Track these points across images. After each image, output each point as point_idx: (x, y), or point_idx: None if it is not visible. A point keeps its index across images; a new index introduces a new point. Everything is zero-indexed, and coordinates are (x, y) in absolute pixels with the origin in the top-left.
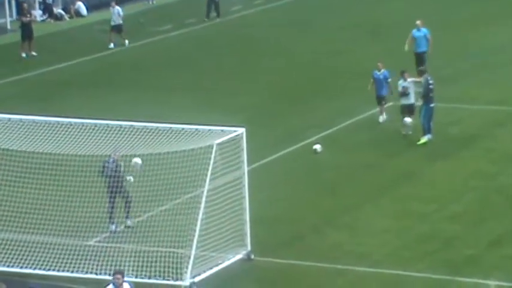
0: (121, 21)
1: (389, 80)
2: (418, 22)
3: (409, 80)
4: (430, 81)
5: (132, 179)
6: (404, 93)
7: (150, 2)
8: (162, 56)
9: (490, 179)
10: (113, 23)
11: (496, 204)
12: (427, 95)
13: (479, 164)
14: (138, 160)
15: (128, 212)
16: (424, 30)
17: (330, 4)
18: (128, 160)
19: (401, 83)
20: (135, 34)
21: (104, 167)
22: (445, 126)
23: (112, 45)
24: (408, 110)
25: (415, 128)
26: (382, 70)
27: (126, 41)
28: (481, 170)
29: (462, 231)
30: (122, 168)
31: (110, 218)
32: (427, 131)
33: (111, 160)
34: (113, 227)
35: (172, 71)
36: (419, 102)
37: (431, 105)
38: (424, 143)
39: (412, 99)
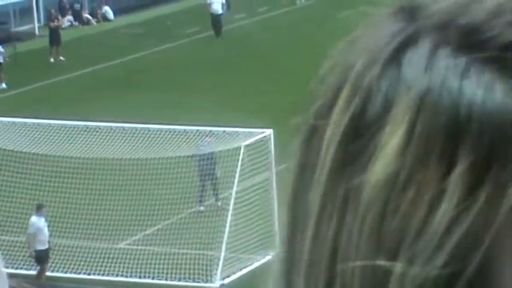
0: (1, 61)
1: None
2: None
3: None
4: None
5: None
6: None
7: None
8: (189, 58)
9: None
10: None
11: None
12: None
13: None
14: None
15: (217, 193)
16: None
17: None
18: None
19: None
20: (163, 36)
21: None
22: None
23: (4, 85)
24: None
25: None
26: None
27: (4, 84)
28: None
29: None
30: (214, 155)
31: (200, 200)
32: None
33: (205, 143)
34: (201, 208)
35: (199, 73)
36: None
37: None
38: None
39: None
